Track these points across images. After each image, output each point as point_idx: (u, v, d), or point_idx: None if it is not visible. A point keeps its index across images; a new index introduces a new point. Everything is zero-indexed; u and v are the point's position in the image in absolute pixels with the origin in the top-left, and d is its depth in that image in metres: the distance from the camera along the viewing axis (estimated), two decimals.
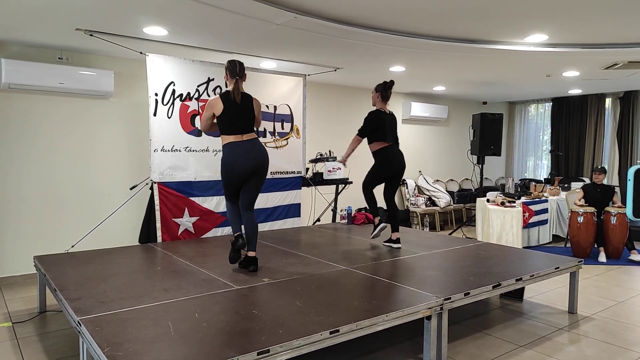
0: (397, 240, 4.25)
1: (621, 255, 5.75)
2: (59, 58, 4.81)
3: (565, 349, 3.13)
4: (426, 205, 7.84)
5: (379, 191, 4.27)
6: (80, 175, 5.04)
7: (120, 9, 3.57)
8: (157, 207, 4.51)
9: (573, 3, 3.47)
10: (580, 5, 3.51)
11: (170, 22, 3.91)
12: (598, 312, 3.86)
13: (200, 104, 4.78)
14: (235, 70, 3.37)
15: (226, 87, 3.49)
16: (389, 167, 4.18)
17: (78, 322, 2.40)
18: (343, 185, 5.98)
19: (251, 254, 3.44)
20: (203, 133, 4.80)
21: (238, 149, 3.35)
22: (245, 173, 3.38)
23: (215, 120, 3.45)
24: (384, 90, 4.18)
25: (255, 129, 3.52)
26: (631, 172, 1.30)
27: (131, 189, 4.67)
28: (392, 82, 4.20)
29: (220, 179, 4.84)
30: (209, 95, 4.82)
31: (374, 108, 4.24)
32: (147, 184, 4.58)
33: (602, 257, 5.64)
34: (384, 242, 4.35)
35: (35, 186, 4.79)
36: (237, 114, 3.35)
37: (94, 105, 5.09)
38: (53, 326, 3.47)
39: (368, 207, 4.35)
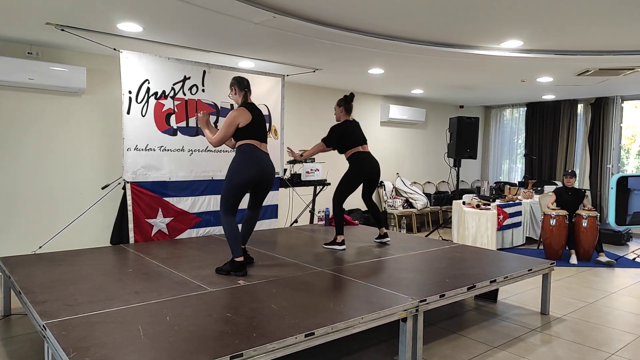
0: (386, 235, 4.57)
1: (591, 257, 5.89)
2: (29, 53, 4.66)
3: (537, 349, 3.17)
4: (403, 207, 7.89)
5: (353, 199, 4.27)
6: (50, 173, 4.88)
7: (93, 3, 3.47)
8: (129, 208, 4.40)
9: (547, 11, 3.54)
10: (553, 13, 3.58)
11: (145, 19, 3.82)
12: (569, 313, 3.94)
13: (176, 102, 4.69)
14: (244, 84, 3.53)
15: (236, 99, 3.55)
16: (363, 172, 4.21)
17: (43, 326, 2.31)
18: (321, 187, 5.96)
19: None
20: (178, 132, 4.72)
21: (257, 156, 3.40)
22: (256, 181, 3.39)
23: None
24: (346, 103, 4.25)
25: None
26: (614, 180, 1.31)
27: (103, 188, 4.55)
28: (352, 95, 4.27)
29: (193, 179, 4.82)
30: (184, 94, 4.73)
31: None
32: (119, 183, 4.47)
33: (574, 259, 5.76)
34: (375, 239, 4.64)
35: (2, 184, 4.62)
36: (260, 124, 3.47)
37: (66, 102, 4.94)
38: (17, 330, 3.33)
39: (336, 223, 4.26)
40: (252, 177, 3.36)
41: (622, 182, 1.29)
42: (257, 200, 3.64)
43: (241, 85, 3.52)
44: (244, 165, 3.35)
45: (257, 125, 3.43)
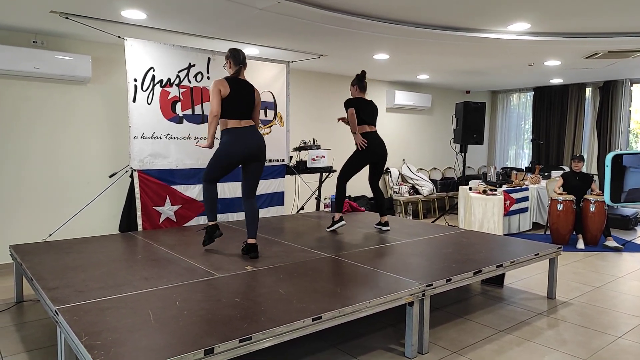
0: (386, 223, 4.50)
1: (599, 242, 5.88)
2: (34, 42, 4.66)
3: (544, 333, 3.19)
4: (409, 194, 7.88)
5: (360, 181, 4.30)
6: (57, 162, 4.92)
7: None
8: (137, 196, 4.43)
9: None
10: None
11: (149, 6, 3.80)
12: (576, 297, 3.94)
13: (181, 90, 4.69)
14: (240, 58, 3.44)
15: (228, 72, 3.51)
16: (370, 153, 4.27)
17: (55, 311, 2.35)
18: (327, 174, 5.96)
19: (251, 241, 3.48)
20: (184, 120, 4.73)
21: (237, 135, 3.37)
22: (241, 159, 3.39)
23: None
24: (359, 81, 4.35)
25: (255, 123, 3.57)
26: (609, 158, 1.29)
27: (110, 176, 4.58)
28: (363, 72, 4.39)
29: (200, 167, 4.83)
30: (189, 82, 4.73)
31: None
32: (126, 171, 4.49)
33: (581, 244, 5.75)
34: (375, 224, 4.62)
35: (10, 174, 4.67)
36: (240, 99, 3.38)
37: (71, 91, 4.95)
38: (30, 316, 3.40)
39: (336, 200, 4.40)
40: (239, 152, 3.35)
41: (617, 159, 1.29)
42: (249, 184, 3.47)
43: (237, 59, 3.42)
44: (229, 144, 3.35)
45: (234, 102, 3.33)
